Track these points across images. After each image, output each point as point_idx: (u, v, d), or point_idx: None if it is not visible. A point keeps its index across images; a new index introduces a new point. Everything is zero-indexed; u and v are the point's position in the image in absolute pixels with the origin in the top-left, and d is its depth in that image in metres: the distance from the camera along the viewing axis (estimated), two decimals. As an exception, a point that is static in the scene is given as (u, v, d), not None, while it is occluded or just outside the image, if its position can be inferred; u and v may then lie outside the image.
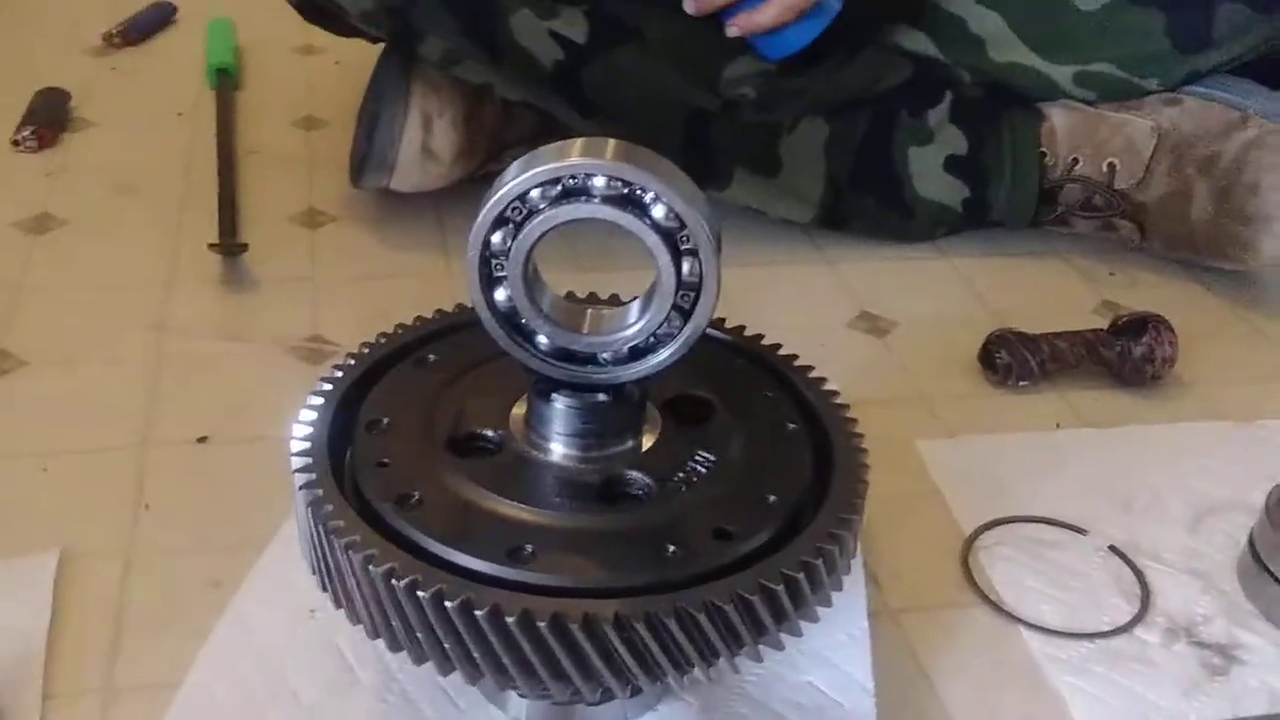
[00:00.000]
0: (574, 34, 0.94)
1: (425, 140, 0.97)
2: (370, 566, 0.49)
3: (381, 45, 0.99)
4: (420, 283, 0.95)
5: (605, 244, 0.98)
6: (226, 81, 1.26)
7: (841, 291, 0.99)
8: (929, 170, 1.02)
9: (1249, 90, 0.98)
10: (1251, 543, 0.71)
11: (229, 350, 0.87)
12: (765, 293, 0.98)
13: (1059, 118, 1.02)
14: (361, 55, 1.03)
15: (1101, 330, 0.88)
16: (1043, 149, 1.02)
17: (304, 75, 1.33)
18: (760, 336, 0.65)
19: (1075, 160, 1.01)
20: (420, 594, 0.48)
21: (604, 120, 0.96)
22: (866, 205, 1.03)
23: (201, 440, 0.78)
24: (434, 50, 0.93)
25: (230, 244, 0.96)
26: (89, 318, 0.89)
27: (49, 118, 1.17)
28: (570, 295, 0.65)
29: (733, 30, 0.95)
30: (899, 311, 0.96)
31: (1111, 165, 1.00)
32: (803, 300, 0.98)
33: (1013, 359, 0.86)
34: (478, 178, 1.00)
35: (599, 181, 0.51)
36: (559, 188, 0.51)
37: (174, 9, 1.46)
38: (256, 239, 0.99)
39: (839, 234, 1.05)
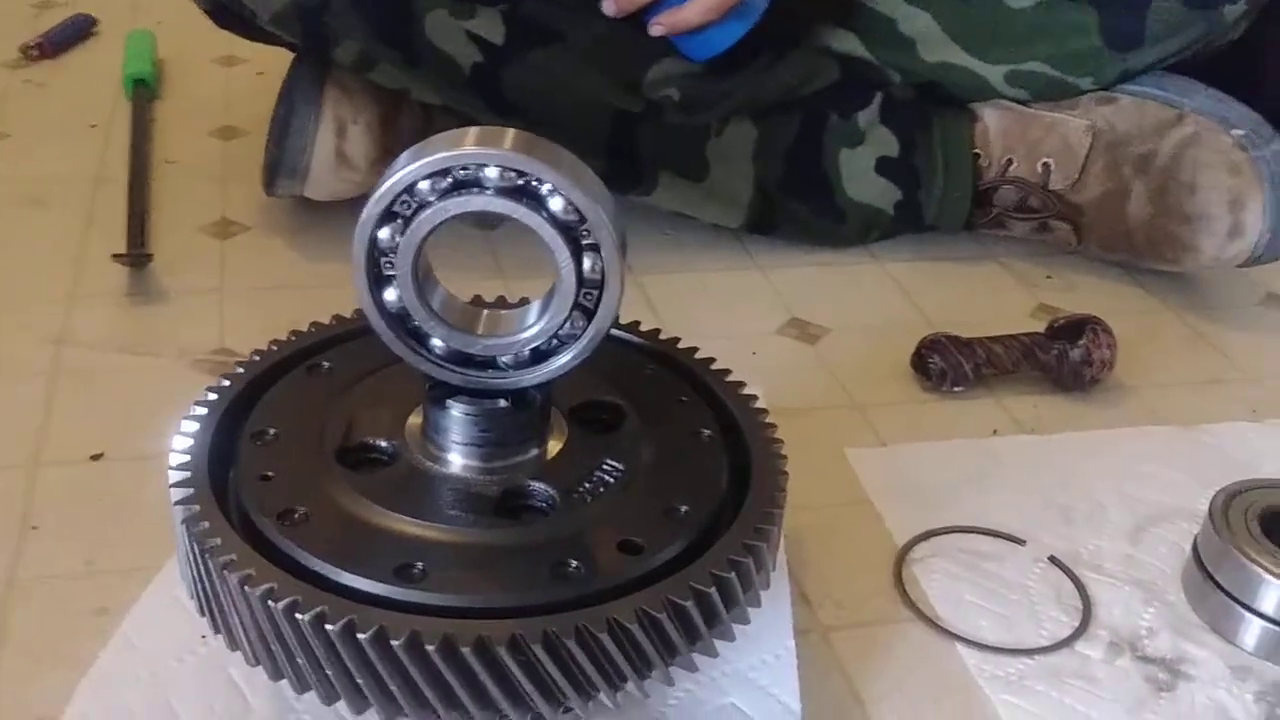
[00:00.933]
0: (492, 35, 0.91)
1: (339, 146, 0.93)
2: (247, 587, 0.46)
3: (299, 52, 0.95)
4: (334, 294, 0.89)
5: (532, 249, 0.96)
6: (143, 92, 1.22)
7: (772, 297, 0.96)
8: (860, 173, 1.00)
9: (1184, 88, 0.96)
10: (1196, 551, 0.68)
11: (130, 364, 0.83)
12: (694, 300, 0.95)
13: (992, 118, 1.00)
14: (284, 65, 0.99)
15: (1038, 334, 0.85)
16: (976, 150, 1.00)
17: (224, 86, 1.29)
18: (676, 340, 0.61)
19: (1009, 161, 0.99)
20: (300, 616, 0.45)
21: (525, 124, 0.93)
22: (796, 209, 1.00)
23: (95, 458, 0.73)
24: (348, 54, 0.90)
25: (135, 255, 0.92)
26: (-15, 332, 0.85)
27: (-44, 131, 1.12)
28: (477, 299, 0.61)
29: (656, 30, 0.92)
30: (830, 318, 0.93)
31: (1046, 166, 0.98)
32: (732, 307, 0.95)
33: (946, 364, 0.83)
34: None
35: (492, 172, 0.48)
36: (449, 179, 0.48)
37: (93, 22, 1.42)
38: (166, 250, 0.95)
39: (769, 239, 1.02)
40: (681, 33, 0.93)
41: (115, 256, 0.91)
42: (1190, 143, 0.94)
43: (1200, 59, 0.98)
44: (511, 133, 0.49)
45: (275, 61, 1.03)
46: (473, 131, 0.49)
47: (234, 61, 1.34)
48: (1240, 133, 0.93)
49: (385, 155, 0.95)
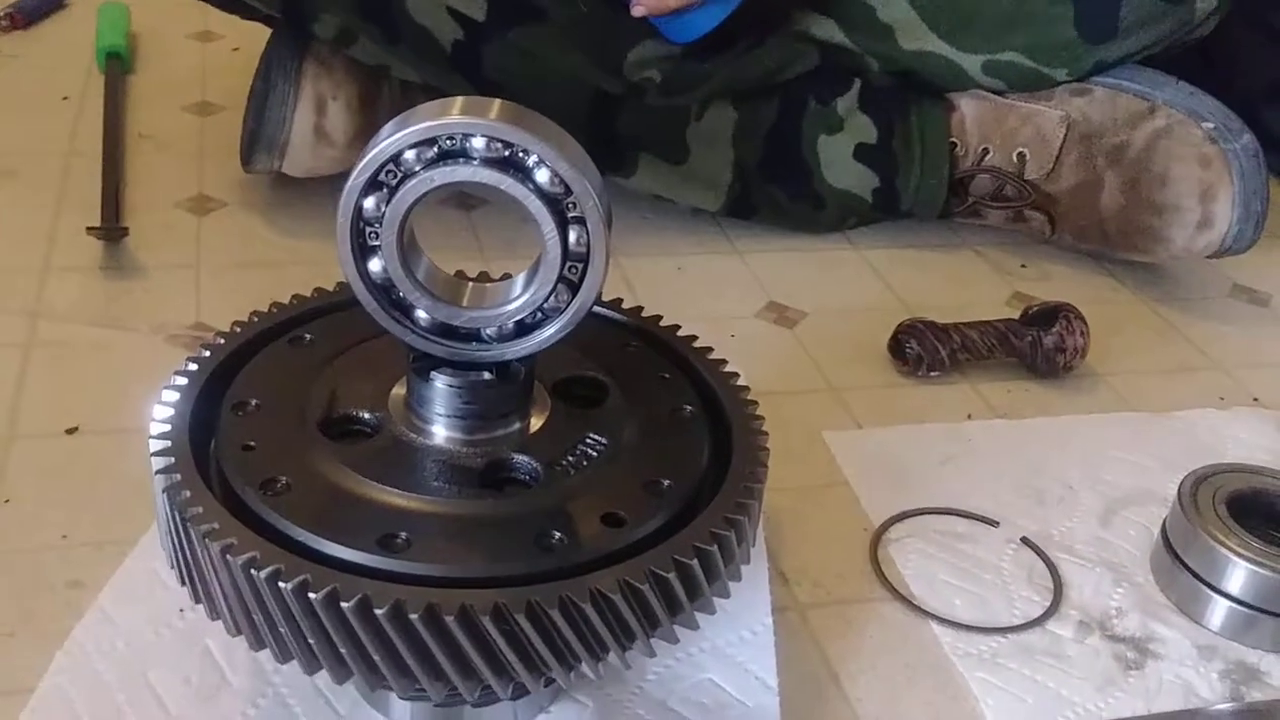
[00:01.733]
0: (473, 12, 0.90)
1: (318, 122, 0.93)
2: (229, 556, 0.45)
3: (278, 27, 0.95)
4: (311, 270, 0.89)
5: (515, 227, 0.95)
6: (117, 66, 1.21)
7: (751, 281, 0.96)
8: (838, 159, 1.00)
9: (1157, 80, 0.97)
10: (1164, 534, 0.69)
11: (106, 338, 0.82)
12: (673, 283, 0.95)
13: (968, 107, 1.00)
14: (261, 41, 0.98)
15: (1013, 320, 0.86)
16: (952, 139, 1.00)
17: (200, 61, 1.28)
18: (658, 317, 0.62)
19: (985, 150, 1.00)
20: (283, 585, 0.45)
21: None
22: (775, 194, 1.01)
23: (71, 432, 0.73)
24: (328, 28, 0.90)
25: (110, 228, 0.91)
26: (-45, 304, 0.84)
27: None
28: (460, 274, 0.61)
29: (638, 10, 0.92)
30: (808, 302, 0.94)
31: (1021, 155, 0.99)
32: (711, 290, 0.95)
33: (923, 349, 0.84)
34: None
35: (478, 143, 0.48)
36: (435, 149, 0.48)
37: (63, -6, 1.40)
38: (141, 225, 0.94)
39: (748, 224, 1.02)
40: (663, 15, 0.93)
41: (90, 230, 0.91)
42: (1162, 135, 0.94)
43: (1173, 53, 0.98)
44: (498, 103, 0.49)
45: (251, 38, 1.03)
46: (459, 101, 0.49)
47: (210, 37, 1.33)
48: (1211, 125, 0.94)
49: (364, 132, 0.95)
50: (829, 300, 0.94)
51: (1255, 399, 0.88)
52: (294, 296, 0.60)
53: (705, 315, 0.91)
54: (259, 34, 0.98)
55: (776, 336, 0.90)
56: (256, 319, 0.58)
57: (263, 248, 0.94)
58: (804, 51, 1.01)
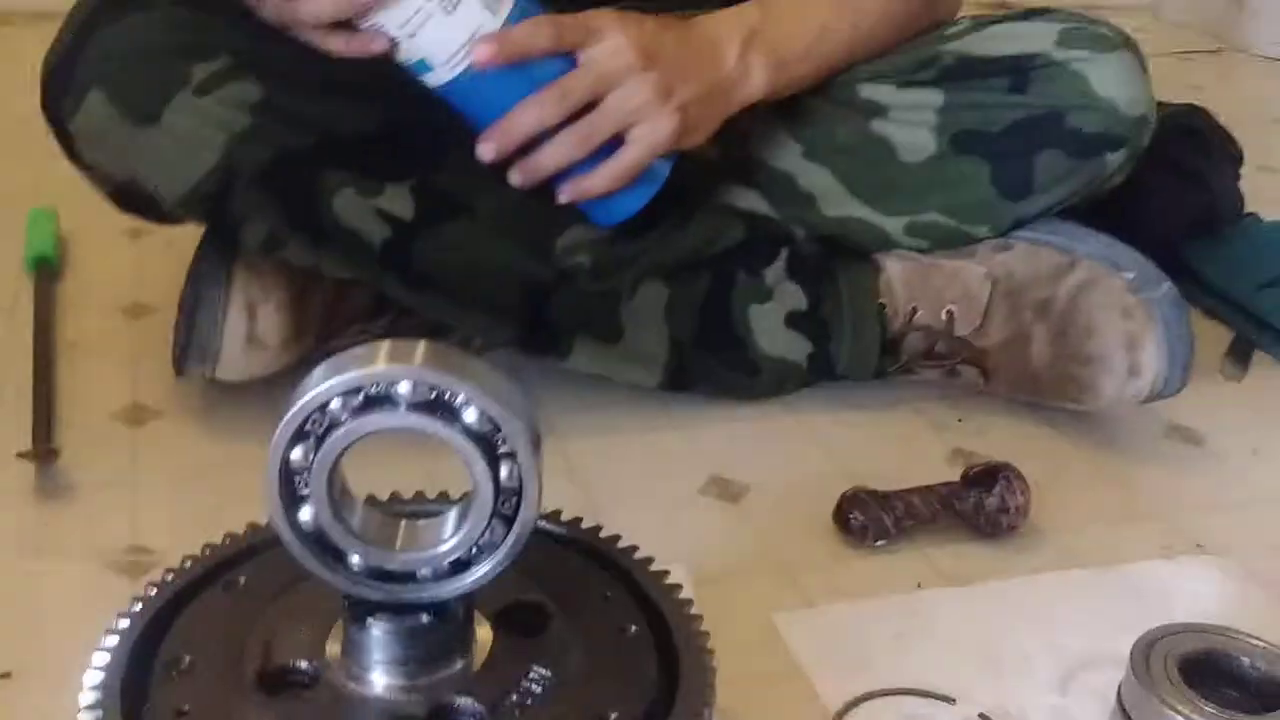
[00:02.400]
0: (401, 211, 0.91)
1: (250, 327, 0.93)
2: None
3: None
4: (253, 476, 0.89)
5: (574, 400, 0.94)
6: (46, 271, 1.20)
7: (692, 455, 0.96)
8: (771, 328, 1.01)
9: (1076, 233, 1.00)
10: (1120, 699, 0.69)
11: (40, 569, 0.80)
12: (614, 463, 0.95)
13: (894, 268, 1.02)
14: (195, 235, 0.99)
15: (954, 483, 0.87)
16: (881, 300, 1.02)
17: (132, 259, 1.28)
18: (598, 528, 0.61)
19: (914, 309, 1.01)
20: None
21: (438, 296, 0.94)
22: (711, 366, 1.01)
23: (4, 676, 0.71)
24: (255, 236, 0.90)
25: (41, 450, 0.90)
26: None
27: None
28: (394, 497, 0.61)
29: (564, 197, 0.94)
30: (751, 474, 0.94)
31: (950, 313, 1.01)
32: (653, 468, 0.95)
33: (867, 519, 0.84)
34: (316, 358, 0.96)
35: (405, 387, 0.48)
36: (361, 397, 0.48)
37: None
38: (74, 440, 0.93)
39: (688, 395, 1.03)
40: (589, 200, 0.95)
41: (20, 455, 0.89)
42: (1084, 287, 0.97)
43: (1089, 203, 1.01)
44: (422, 346, 0.49)
45: (186, 233, 1.03)
46: (384, 346, 0.49)
47: (141, 233, 1.32)
48: (1131, 275, 0.96)
49: (297, 333, 0.95)
50: (772, 471, 0.94)
51: (1199, 545, 0.88)
52: (226, 535, 0.59)
53: (649, 494, 0.91)
54: (193, 228, 0.98)
55: (721, 514, 0.90)
56: (189, 563, 0.57)
57: (201, 456, 0.93)
58: (730, 224, 1.03)
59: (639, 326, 0.99)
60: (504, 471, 0.49)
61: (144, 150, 0.87)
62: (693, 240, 1.01)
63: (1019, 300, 0.99)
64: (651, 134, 0.91)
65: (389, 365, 0.47)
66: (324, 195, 0.90)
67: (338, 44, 0.85)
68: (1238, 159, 1.27)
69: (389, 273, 0.92)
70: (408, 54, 0.87)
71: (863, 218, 1.02)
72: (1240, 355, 1.14)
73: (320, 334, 0.98)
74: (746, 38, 0.96)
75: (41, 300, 1.14)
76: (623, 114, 0.90)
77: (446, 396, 0.48)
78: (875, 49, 1.02)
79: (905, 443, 1.00)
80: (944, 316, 1.01)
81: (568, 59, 0.90)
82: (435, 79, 0.88)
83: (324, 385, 0.48)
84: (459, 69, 0.87)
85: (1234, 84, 2.14)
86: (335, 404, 0.48)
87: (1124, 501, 0.94)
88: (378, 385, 0.48)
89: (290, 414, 0.48)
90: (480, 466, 0.49)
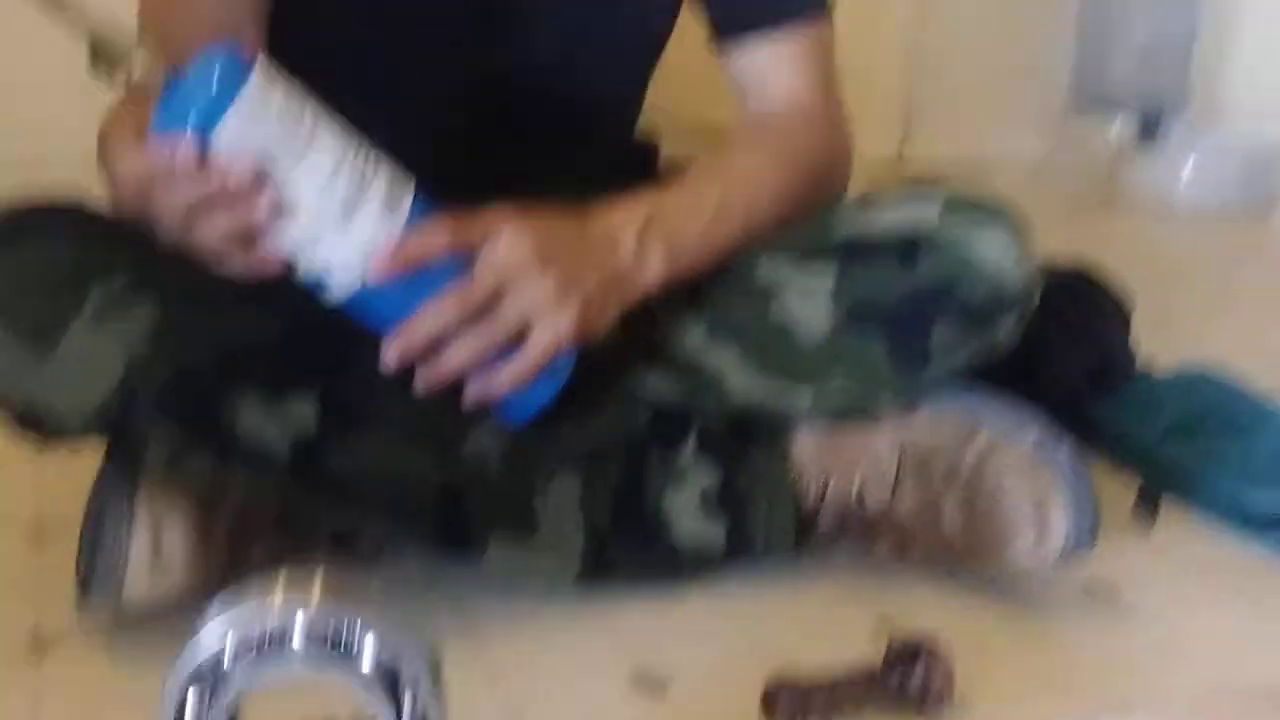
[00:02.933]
0: (306, 423, 0.91)
1: (155, 547, 0.91)
2: None
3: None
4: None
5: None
6: (-54, 496, 1.18)
7: (613, 646, 0.95)
8: (685, 510, 1.01)
9: (978, 399, 1.02)
10: None
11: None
12: (535, 658, 0.93)
13: (805, 443, 1.03)
14: (99, 445, 0.97)
15: (876, 665, 0.86)
16: (793, 475, 1.03)
17: (35, 477, 1.25)
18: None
19: (826, 482, 1.02)
20: None
21: (348, 503, 0.93)
22: (630, 553, 1.01)
23: None
24: (158, 455, 0.89)
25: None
26: None
27: None
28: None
29: (470, 398, 0.94)
30: (674, 664, 0.92)
31: (862, 484, 1.01)
32: (574, 663, 0.93)
33: (794, 708, 0.83)
34: (227, 581, 0.95)
35: (300, 629, 0.47)
36: (254, 649, 0.47)
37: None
38: (-27, 676, 0.90)
39: (607, 581, 1.02)
40: (493, 400, 0.95)
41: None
42: (989, 452, 0.98)
43: (987, 364, 1.03)
44: (319, 580, 0.48)
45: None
46: (280, 583, 0.48)
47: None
48: (1033, 438, 0.98)
49: (205, 552, 0.94)
50: (695, 659, 0.93)
51: (1127, 702, 0.88)
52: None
53: (569, 695, 0.89)
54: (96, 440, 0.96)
55: (645, 712, 0.88)
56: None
57: (109, 689, 0.90)
58: (639, 408, 1.04)
59: (554, 518, 0.99)
60: (406, 705, 0.48)
61: (41, 377, 0.87)
62: (603, 428, 1.01)
63: (927, 468, 1.00)
64: (553, 331, 0.92)
65: (283, 609, 0.47)
66: (226, 409, 0.89)
67: (234, 265, 0.85)
68: (1127, 317, 1.32)
69: (296, 483, 0.91)
70: (306, 271, 0.87)
71: (769, 394, 1.03)
72: (1148, 506, 1.16)
73: (229, 548, 0.97)
74: (642, 227, 0.98)
75: (-61, 529, 1.11)
76: (522, 313, 0.91)
77: (344, 630, 0.47)
78: (769, 228, 1.05)
79: (829, 618, 1.00)
80: (856, 488, 1.02)
81: (464, 256, 0.91)
82: (335, 293, 0.89)
83: (216, 633, 0.46)
84: (358, 282, 0.88)
85: (1126, 236, 2.23)
86: (228, 656, 0.47)
87: (1047, 666, 0.94)
88: (272, 637, 0.47)
89: (183, 661, 0.47)
90: (381, 703, 0.47)
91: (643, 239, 0.98)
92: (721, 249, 1.03)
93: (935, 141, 2.52)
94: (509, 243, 0.91)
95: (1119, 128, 2.40)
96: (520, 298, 0.91)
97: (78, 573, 0.92)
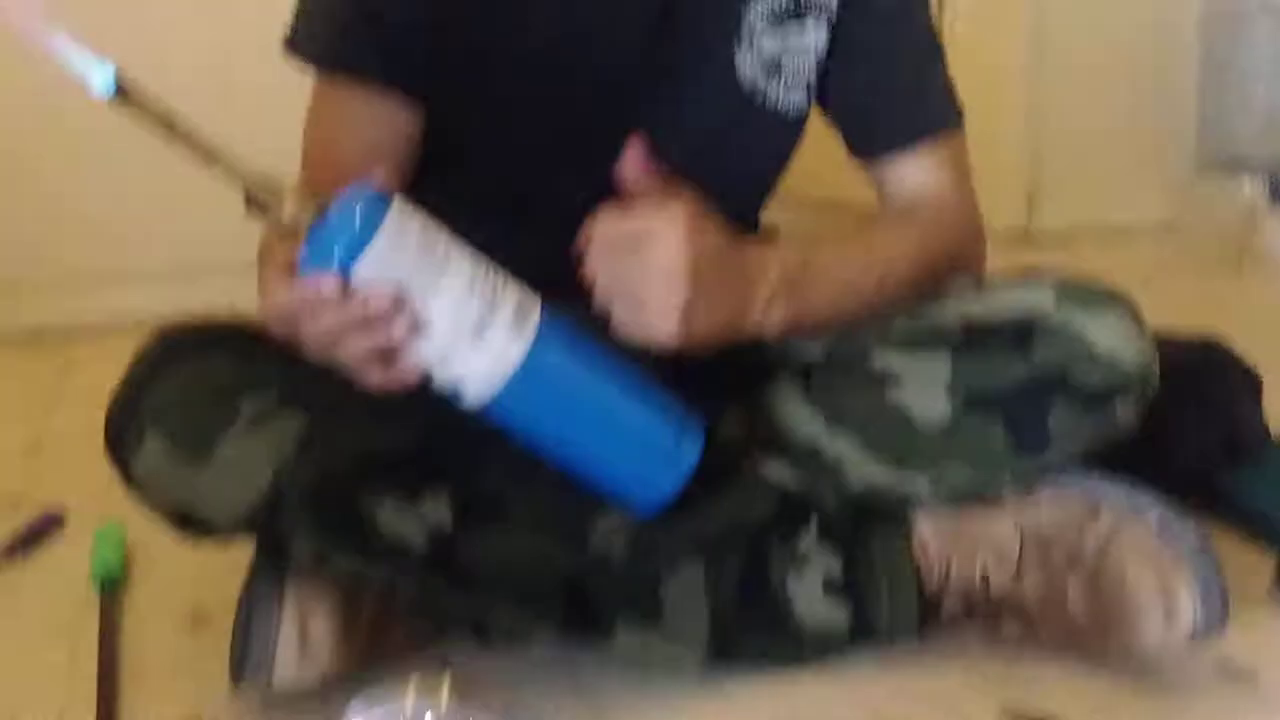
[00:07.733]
0: (440, 519, 0.95)
1: (303, 635, 0.97)
2: None
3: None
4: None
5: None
6: (112, 590, 1.25)
7: (742, 735, 0.97)
8: (808, 595, 1.03)
9: (1099, 481, 1.01)
10: None
11: None
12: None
13: (925, 527, 1.04)
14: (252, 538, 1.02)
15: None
16: (915, 559, 1.03)
17: (195, 564, 1.31)
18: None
19: (949, 566, 1.03)
20: None
21: (480, 595, 0.97)
22: (753, 638, 1.03)
23: None
24: (303, 551, 0.95)
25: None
26: None
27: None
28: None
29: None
30: (803, 752, 0.94)
31: (984, 567, 1.02)
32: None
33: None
34: (370, 664, 1.00)
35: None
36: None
37: (60, 519, 1.45)
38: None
39: (731, 666, 1.03)
40: (623, 496, 0.98)
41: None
42: (1112, 534, 0.98)
43: (1110, 452, 1.03)
44: (447, 682, 0.52)
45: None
46: (412, 684, 0.52)
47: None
48: (1155, 517, 0.98)
49: (348, 639, 0.99)
50: (823, 746, 0.95)
51: (1262, 791, 0.87)
52: None
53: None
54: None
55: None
56: None
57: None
58: (761, 495, 1.06)
59: (679, 605, 1.01)
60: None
61: (198, 483, 0.94)
62: (725, 515, 1.04)
63: (1049, 551, 1.01)
64: (652, 332, 0.93)
65: (414, 712, 0.50)
66: (365, 510, 0.94)
67: (375, 379, 0.89)
68: (1258, 387, 1.29)
69: (432, 577, 0.96)
70: (440, 382, 0.92)
71: (888, 481, 1.04)
72: (1285, 579, 1.14)
73: (371, 633, 1.02)
74: (780, 279, 0.99)
75: (107, 621, 1.18)
76: (639, 299, 0.93)
77: (472, 731, 0.51)
78: (891, 300, 1.06)
79: (955, 701, 1.00)
80: (979, 571, 1.02)
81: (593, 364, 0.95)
82: (468, 402, 0.92)
83: (357, 730, 0.50)
84: (490, 392, 0.91)
85: (1256, 299, 2.16)
86: (368, 747, 0.51)
87: (1180, 750, 0.93)
88: None
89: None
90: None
91: (777, 292, 0.99)
92: (838, 320, 1.05)
93: (1061, 211, 2.48)
94: (669, 248, 0.92)
95: (1247, 190, 2.35)
96: (649, 291, 0.92)
97: (231, 658, 0.98)
